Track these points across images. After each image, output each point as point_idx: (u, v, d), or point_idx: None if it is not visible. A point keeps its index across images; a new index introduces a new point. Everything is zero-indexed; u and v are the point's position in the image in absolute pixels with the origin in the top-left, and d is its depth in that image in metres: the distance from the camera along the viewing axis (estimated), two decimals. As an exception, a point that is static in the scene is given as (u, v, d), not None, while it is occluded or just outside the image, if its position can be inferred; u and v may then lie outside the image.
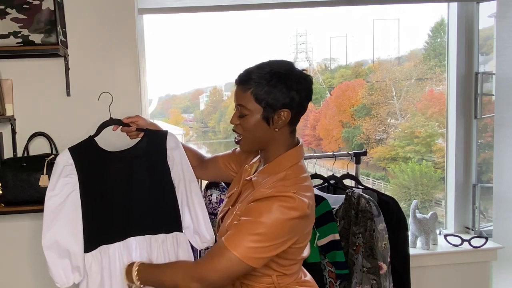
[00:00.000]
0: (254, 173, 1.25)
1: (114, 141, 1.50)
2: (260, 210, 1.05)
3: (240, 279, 1.18)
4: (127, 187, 1.36)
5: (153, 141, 1.41)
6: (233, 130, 1.20)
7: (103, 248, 1.32)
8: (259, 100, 1.09)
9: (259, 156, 1.27)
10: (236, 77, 1.15)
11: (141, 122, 1.41)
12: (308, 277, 1.26)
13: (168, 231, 1.38)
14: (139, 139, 1.42)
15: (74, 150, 1.34)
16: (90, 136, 1.37)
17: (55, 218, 1.29)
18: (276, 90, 1.09)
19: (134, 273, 1.22)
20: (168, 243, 1.38)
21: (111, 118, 1.40)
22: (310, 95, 1.14)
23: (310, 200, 1.10)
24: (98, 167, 1.35)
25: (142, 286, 1.22)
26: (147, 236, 1.36)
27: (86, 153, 1.35)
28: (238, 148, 1.42)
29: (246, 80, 1.11)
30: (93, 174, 1.34)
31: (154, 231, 1.37)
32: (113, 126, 1.40)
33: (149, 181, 1.38)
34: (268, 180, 1.13)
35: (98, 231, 1.33)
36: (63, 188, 1.30)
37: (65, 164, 1.31)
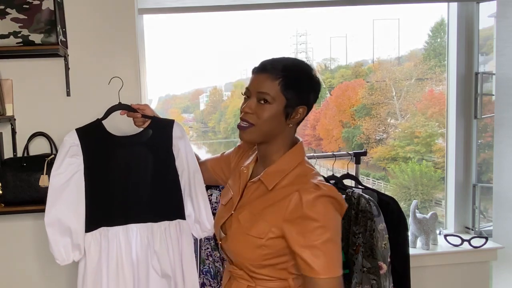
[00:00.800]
0: (252, 173, 1.21)
1: (121, 126, 1.53)
2: (318, 221, 1.02)
3: (255, 287, 1.14)
4: (130, 172, 1.37)
5: (160, 129, 1.42)
6: (242, 118, 1.13)
7: (102, 229, 1.34)
8: (285, 92, 1.07)
9: (254, 156, 1.24)
10: (256, 65, 1.12)
11: (148, 111, 1.42)
12: None
13: (170, 218, 1.39)
14: (145, 126, 1.43)
15: (81, 132, 1.36)
16: (98, 119, 1.39)
17: (59, 196, 1.31)
18: (302, 86, 1.09)
19: None
20: (172, 230, 1.38)
21: (119, 102, 1.41)
22: (317, 99, 1.16)
23: None
24: (103, 150, 1.37)
25: None
26: (149, 224, 1.37)
27: (92, 135, 1.37)
28: (227, 152, 1.41)
29: (274, 68, 1.08)
30: (98, 156, 1.36)
31: (156, 218, 1.38)
32: (121, 110, 1.41)
33: (153, 168, 1.38)
34: (285, 181, 1.10)
35: (100, 212, 1.34)
36: (68, 168, 1.32)
37: (71, 145, 1.34)
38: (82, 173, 1.34)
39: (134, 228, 1.36)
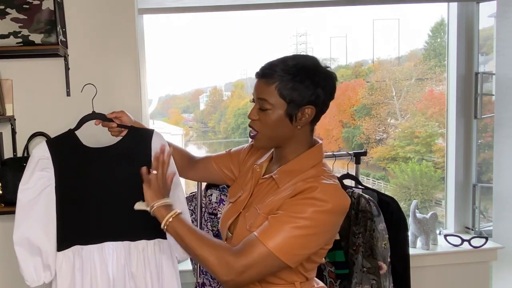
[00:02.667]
0: (265, 172, 1.19)
1: (99, 137, 1.42)
2: (301, 204, 1.01)
3: None
4: (106, 186, 1.27)
5: (138, 139, 1.31)
6: (249, 125, 1.14)
7: (76, 248, 1.25)
8: (283, 95, 1.04)
9: (268, 154, 1.22)
10: (257, 70, 1.10)
11: (125, 118, 1.33)
12: (321, 284, 1.22)
13: (149, 237, 1.28)
14: (122, 136, 1.33)
15: (52, 143, 1.27)
16: (70, 129, 1.29)
17: (28, 213, 1.23)
18: (302, 86, 1.04)
19: (167, 218, 1.08)
20: (149, 251, 1.28)
21: (93, 112, 1.31)
22: (334, 93, 1.10)
23: None
24: (76, 163, 1.26)
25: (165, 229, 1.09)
26: (126, 242, 1.27)
27: (64, 147, 1.27)
28: (235, 149, 1.36)
29: (270, 73, 1.06)
30: (71, 170, 1.26)
31: (134, 237, 1.27)
32: (95, 120, 1.33)
33: (131, 182, 1.24)
34: (297, 179, 1.08)
35: (72, 230, 1.25)
36: (37, 182, 1.23)
37: (40, 157, 1.24)
38: (53, 188, 1.24)
39: (111, 247, 1.26)
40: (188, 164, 1.41)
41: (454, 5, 2.17)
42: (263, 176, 1.18)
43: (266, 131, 1.09)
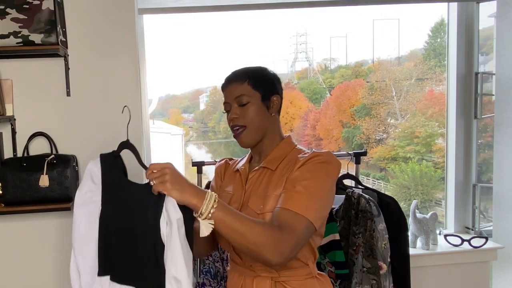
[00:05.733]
0: (249, 170, 1.24)
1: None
2: (309, 170, 1.11)
3: (278, 278, 1.13)
4: (128, 225, 1.07)
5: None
6: (233, 126, 1.19)
7: (108, 280, 1.10)
8: (256, 87, 1.20)
9: (245, 158, 1.28)
10: (222, 82, 1.24)
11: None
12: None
13: None
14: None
15: (104, 159, 1.14)
16: (114, 152, 1.14)
17: (75, 221, 1.12)
18: (267, 79, 1.23)
19: (212, 201, 0.96)
20: None
21: (127, 140, 1.14)
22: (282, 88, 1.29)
23: None
24: (115, 190, 1.11)
25: (210, 220, 0.96)
26: None
27: (111, 168, 1.13)
28: (212, 183, 1.34)
29: (238, 77, 1.21)
30: (111, 196, 1.11)
31: None
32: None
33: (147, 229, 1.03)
34: (287, 158, 1.19)
35: (107, 259, 1.10)
36: (87, 193, 1.12)
37: (91, 170, 1.13)
38: (98, 206, 1.10)
39: None
40: (208, 240, 1.21)
41: (454, 5, 2.17)
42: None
43: (251, 124, 1.19)
